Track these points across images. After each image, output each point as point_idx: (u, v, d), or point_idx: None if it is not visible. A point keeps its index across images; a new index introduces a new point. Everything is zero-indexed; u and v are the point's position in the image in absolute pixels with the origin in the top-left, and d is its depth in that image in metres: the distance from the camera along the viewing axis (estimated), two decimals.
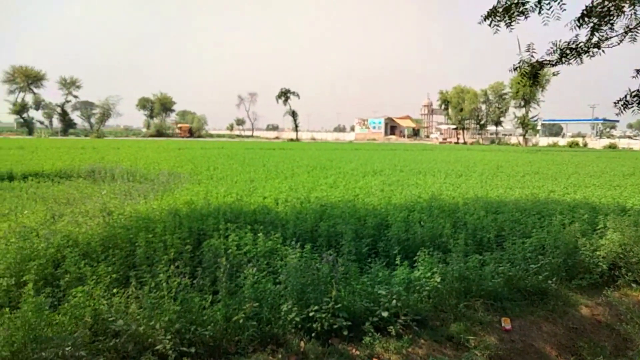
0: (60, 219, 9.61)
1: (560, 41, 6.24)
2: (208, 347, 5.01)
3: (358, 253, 7.95)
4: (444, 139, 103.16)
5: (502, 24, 6.35)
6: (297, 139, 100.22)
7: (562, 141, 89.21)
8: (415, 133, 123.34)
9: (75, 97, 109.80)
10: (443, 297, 6.58)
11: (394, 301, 5.85)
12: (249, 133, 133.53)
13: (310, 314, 5.52)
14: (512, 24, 6.30)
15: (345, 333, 5.45)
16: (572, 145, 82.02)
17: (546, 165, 29.04)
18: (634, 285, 7.58)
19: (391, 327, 5.65)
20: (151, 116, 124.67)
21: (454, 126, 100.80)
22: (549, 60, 6.41)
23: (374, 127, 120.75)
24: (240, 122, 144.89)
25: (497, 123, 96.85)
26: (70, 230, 8.09)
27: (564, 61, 6.40)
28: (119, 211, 9.90)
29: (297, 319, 5.45)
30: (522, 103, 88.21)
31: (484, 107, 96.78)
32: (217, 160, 26.40)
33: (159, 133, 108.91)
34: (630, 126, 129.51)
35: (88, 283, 5.61)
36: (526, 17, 6.35)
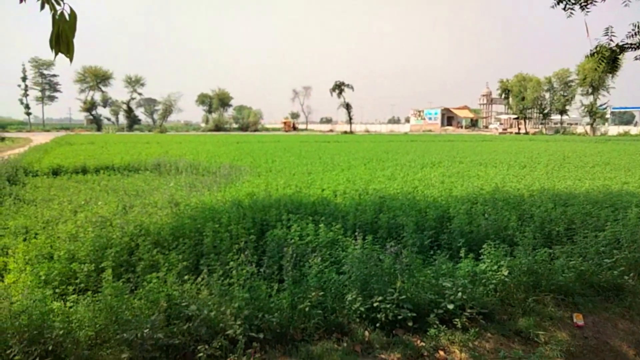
0: (131, 209, 10.18)
1: None
2: (275, 333, 5.17)
3: (420, 245, 7.86)
4: (504, 129, 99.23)
5: (577, 6, 6.02)
6: (351, 132, 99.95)
7: (634, 130, 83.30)
8: (474, 124, 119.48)
9: (140, 94, 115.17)
10: (510, 290, 6.40)
11: (459, 294, 5.76)
12: (303, 126, 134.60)
13: (375, 304, 5.54)
14: (588, 6, 5.96)
15: (410, 324, 5.44)
16: None
17: (617, 156, 27.30)
18: None
19: (457, 319, 5.58)
20: (210, 111, 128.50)
21: (515, 116, 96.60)
22: (631, 44, 6.02)
23: (430, 118, 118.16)
24: (294, 115, 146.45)
25: (562, 112, 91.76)
26: (142, 220, 8.55)
27: None
28: (185, 202, 10.36)
29: (362, 308, 5.49)
30: (590, 90, 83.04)
31: (547, 95, 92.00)
32: (275, 153, 26.88)
33: (218, 127, 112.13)
34: None
35: (161, 270, 5.92)
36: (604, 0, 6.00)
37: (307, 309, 5.36)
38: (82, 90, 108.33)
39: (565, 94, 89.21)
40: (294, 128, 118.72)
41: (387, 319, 5.46)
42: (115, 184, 15.35)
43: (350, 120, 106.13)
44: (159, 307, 5.28)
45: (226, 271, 5.98)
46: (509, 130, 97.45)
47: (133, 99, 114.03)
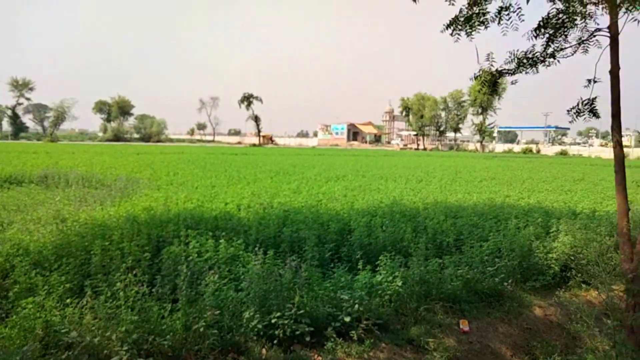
0: (9, 226, 9.17)
1: (517, 51, 6.48)
2: (167, 357, 4.89)
3: (321, 258, 7.96)
4: (405, 145, 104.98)
5: (463, 33, 6.53)
6: (260, 144, 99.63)
7: (517, 148, 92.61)
8: (377, 139, 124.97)
9: (28, 99, 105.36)
10: (404, 300, 6.68)
11: (356, 306, 5.89)
12: (210, 138, 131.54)
13: (273, 321, 5.47)
14: (473, 33, 6.49)
15: (308, 339, 5.44)
16: (526, 151, 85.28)
17: (502, 171, 30.02)
18: (583, 285, 7.92)
19: (353, 331, 5.68)
20: (108, 120, 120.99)
21: (415, 132, 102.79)
22: (507, 69, 6.64)
23: (337, 133, 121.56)
24: (201, 126, 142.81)
25: (456, 130, 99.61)
26: (20, 239, 7.72)
27: (521, 70, 6.63)
28: (73, 218, 9.54)
29: (259, 326, 5.39)
30: (480, 110, 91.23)
31: (443, 114, 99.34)
32: (177, 166, 25.88)
33: (117, 137, 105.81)
34: (580, 134, 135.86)
35: (39, 293, 5.36)
36: (486, 27, 6.55)
37: (202, 329, 5.13)
38: None
39: (458, 113, 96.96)
40: (271, 141, 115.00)
41: (285, 335, 5.42)
42: None
43: (259, 133, 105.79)
44: (34, 335, 4.76)
45: (114, 292, 5.57)
46: (409, 146, 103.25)
47: (20, 104, 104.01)
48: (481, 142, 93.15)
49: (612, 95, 5.88)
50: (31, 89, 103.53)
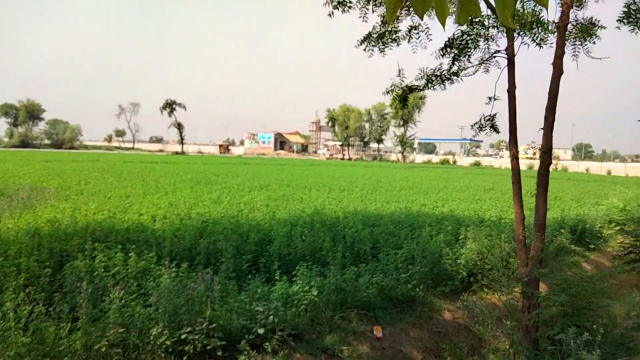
0: None
1: (427, 68, 6.85)
2: None
3: (238, 270, 7.82)
4: (331, 154, 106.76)
5: (376, 49, 6.79)
6: (183, 152, 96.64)
7: (435, 159, 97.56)
8: (304, 149, 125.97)
9: None
10: (320, 309, 6.73)
11: (271, 317, 5.84)
12: (129, 145, 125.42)
13: (183, 336, 5.29)
14: (385, 49, 6.77)
15: (220, 353, 5.31)
16: (444, 162, 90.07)
17: (420, 181, 31.40)
18: (486, 289, 8.43)
19: (267, 343, 5.63)
20: (15, 124, 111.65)
21: (340, 143, 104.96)
22: (417, 85, 6.99)
23: (264, 142, 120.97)
24: (120, 133, 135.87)
25: (379, 141, 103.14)
26: None
27: (430, 87, 7.02)
28: None
29: (168, 342, 5.18)
30: (401, 123, 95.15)
31: (367, 125, 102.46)
32: (90, 174, 24.35)
33: (25, 143, 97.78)
34: (492, 146, 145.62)
35: None
36: (398, 45, 6.87)
37: (104, 348, 4.84)
38: None
39: (381, 125, 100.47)
40: (227, 150, 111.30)
41: (196, 350, 5.25)
42: None
43: (182, 141, 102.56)
44: None
45: (5, 313, 5.10)
46: (335, 155, 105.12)
47: None
48: (402, 152, 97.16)
49: (509, 112, 6.37)
50: None
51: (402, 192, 22.23)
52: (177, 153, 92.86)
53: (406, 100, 7.17)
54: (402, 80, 7.09)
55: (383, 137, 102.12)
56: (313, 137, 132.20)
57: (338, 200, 17.05)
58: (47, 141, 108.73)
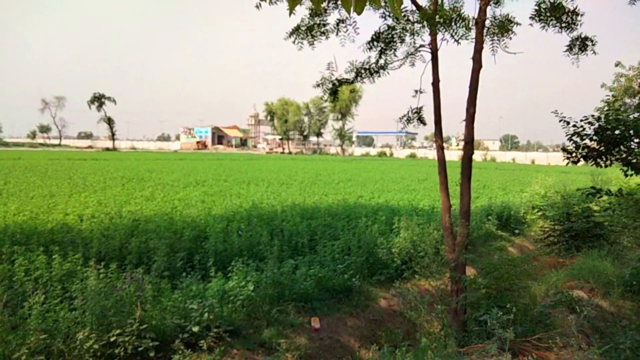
0: None
1: (356, 61, 6.95)
2: None
3: (172, 268, 7.62)
4: (271, 148, 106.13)
5: (305, 41, 6.80)
6: (114, 149, 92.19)
7: (373, 151, 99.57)
8: (243, 143, 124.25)
9: None
10: (257, 304, 6.69)
11: (206, 314, 5.74)
12: (56, 142, 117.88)
13: (112, 339, 5.08)
14: (315, 42, 6.79)
15: (152, 354, 5.16)
16: (381, 154, 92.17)
17: (358, 173, 31.96)
18: (417, 276, 8.75)
19: (202, 341, 5.53)
20: None
21: (280, 137, 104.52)
22: (347, 79, 7.08)
23: (201, 136, 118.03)
24: (44, 129, 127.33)
25: (318, 134, 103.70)
26: None
27: (359, 79, 7.13)
28: None
29: (96, 345, 4.96)
30: (339, 116, 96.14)
31: (306, 119, 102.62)
32: (10, 174, 22.67)
33: None
34: (426, 138, 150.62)
35: None
36: (327, 37, 6.91)
37: (24, 357, 4.55)
38: None
39: (320, 118, 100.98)
40: (205, 146, 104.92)
41: (127, 352, 5.06)
42: None
43: (113, 136, 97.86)
44: None
45: None
46: (275, 149, 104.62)
47: None
48: (341, 146, 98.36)
49: (434, 105, 6.62)
50: None
51: (341, 184, 22.53)
52: (107, 149, 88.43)
53: (336, 93, 7.24)
54: (332, 74, 7.16)
55: (322, 130, 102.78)
56: (252, 131, 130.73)
57: (277, 194, 17.00)
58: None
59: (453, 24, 6.03)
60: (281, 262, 7.97)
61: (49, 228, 8.96)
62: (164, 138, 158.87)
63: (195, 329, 5.53)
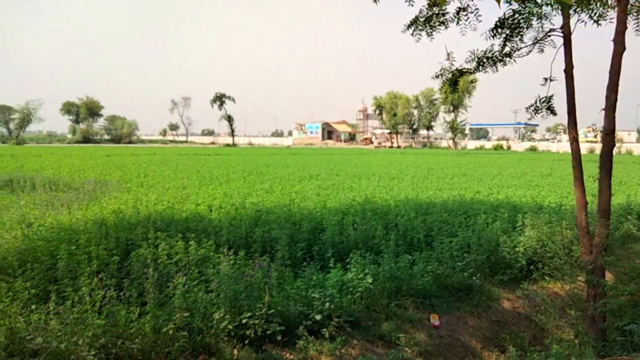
0: None
1: (478, 50, 6.63)
2: None
3: (293, 257, 7.97)
4: (379, 143, 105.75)
5: (424, 33, 6.64)
6: (234, 144, 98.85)
7: (488, 144, 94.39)
8: (352, 137, 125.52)
9: None
10: (375, 297, 6.75)
11: (327, 304, 5.92)
12: (183, 138, 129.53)
13: (244, 321, 5.47)
14: (433, 33, 6.61)
15: (279, 338, 5.46)
16: (497, 148, 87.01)
17: (473, 167, 30.58)
18: (548, 278, 8.14)
19: (324, 329, 5.72)
20: (77, 121, 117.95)
21: (388, 130, 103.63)
22: (467, 68, 6.79)
23: (312, 132, 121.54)
24: (173, 127, 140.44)
25: (429, 127, 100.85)
26: None
27: (481, 69, 6.80)
28: (39, 222, 9.30)
29: (230, 326, 5.38)
30: (451, 108, 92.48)
31: (416, 112, 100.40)
32: (148, 167, 25.45)
33: (86, 139, 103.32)
34: (548, 130, 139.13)
35: (2, 301, 5.22)
36: (446, 27, 6.68)
37: (171, 331, 5.09)
38: None
39: (430, 111, 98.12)
40: (372, 142, 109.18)
41: (256, 334, 5.42)
42: None
43: (232, 133, 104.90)
44: None
45: (81, 297, 5.47)
46: (383, 144, 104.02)
47: None
48: (453, 139, 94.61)
49: (567, 93, 6.08)
50: None
51: (455, 179, 21.76)
52: (228, 145, 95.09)
53: (457, 84, 6.97)
54: (452, 64, 6.90)
55: (432, 123, 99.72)
56: (360, 125, 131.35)
57: (388, 188, 16.92)
58: (106, 136, 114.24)
59: (590, 3, 5.49)
60: (397, 257, 7.93)
61: (184, 217, 9.87)
62: (278, 134, 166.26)
63: (318, 317, 5.74)
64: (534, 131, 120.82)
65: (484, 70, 6.63)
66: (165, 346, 5.07)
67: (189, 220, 9.60)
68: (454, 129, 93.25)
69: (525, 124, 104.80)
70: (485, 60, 6.57)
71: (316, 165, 30.85)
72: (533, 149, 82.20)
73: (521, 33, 6.38)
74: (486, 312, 7.40)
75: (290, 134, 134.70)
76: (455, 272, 7.83)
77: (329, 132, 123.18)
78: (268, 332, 5.46)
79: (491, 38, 6.46)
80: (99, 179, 18.45)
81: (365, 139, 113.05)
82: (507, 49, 6.48)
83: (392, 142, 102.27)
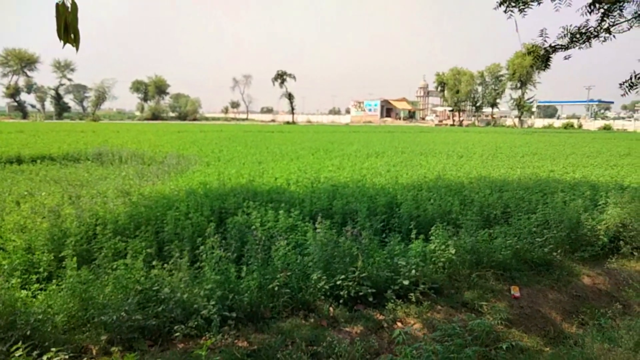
0: (78, 200, 9.94)
1: (570, 26, 6.58)
2: (247, 312, 5.44)
3: (373, 229, 8.36)
4: (440, 121, 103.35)
5: (516, 9, 6.66)
6: (294, 122, 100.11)
7: (557, 123, 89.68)
8: (411, 115, 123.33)
9: (70, 80, 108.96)
10: (457, 267, 7.03)
11: (413, 271, 6.28)
12: (243, 116, 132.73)
13: (338, 283, 5.95)
14: (526, 9, 6.62)
15: (370, 299, 5.90)
16: (567, 126, 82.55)
17: (543, 147, 29.51)
18: (634, 254, 8.04)
19: (411, 294, 6.10)
20: (145, 99, 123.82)
21: (450, 108, 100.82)
22: (561, 45, 6.76)
23: (370, 110, 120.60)
24: (235, 105, 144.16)
25: (493, 105, 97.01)
26: (96, 210, 8.44)
27: (574, 45, 6.75)
28: (137, 192, 10.26)
29: (326, 287, 5.88)
30: (519, 85, 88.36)
31: (480, 88, 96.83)
32: (220, 143, 26.65)
33: (154, 116, 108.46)
34: (624, 107, 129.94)
35: (126, 258, 5.99)
36: (539, 3, 6.67)
37: (275, 288, 5.66)
38: (5, 75, 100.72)
39: (496, 87, 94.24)
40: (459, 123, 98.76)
41: (349, 295, 5.89)
42: (55, 174, 14.74)
43: (292, 111, 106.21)
44: (132, 291, 5.37)
45: (192, 256, 6.17)
46: (444, 122, 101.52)
47: (62, 84, 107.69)
48: (520, 117, 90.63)
49: None
50: (72, 70, 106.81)
51: (525, 157, 21.23)
52: (288, 123, 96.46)
53: (549, 60, 6.95)
54: (545, 40, 6.88)
55: (498, 100, 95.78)
56: (420, 102, 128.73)
57: (458, 166, 16.88)
58: (172, 114, 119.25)
59: None
60: (475, 231, 8.12)
61: (266, 189, 10.51)
62: (335, 112, 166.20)
63: (406, 282, 6.12)
64: (608, 109, 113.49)
65: (577, 47, 6.59)
66: (270, 301, 5.65)
67: (272, 192, 10.21)
68: (521, 106, 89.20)
69: (599, 101, 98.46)
70: (579, 36, 6.52)
71: (379, 142, 30.95)
72: (607, 128, 77.36)
73: (621, 7, 6.27)
74: (566, 287, 7.48)
75: (347, 111, 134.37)
76: (535, 248, 7.92)
77: (387, 109, 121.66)
78: (360, 293, 5.91)
79: (587, 13, 6.40)
80: (179, 153, 19.66)
81: (440, 122, 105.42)
82: (605, 24, 6.39)
83: (453, 120, 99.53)
